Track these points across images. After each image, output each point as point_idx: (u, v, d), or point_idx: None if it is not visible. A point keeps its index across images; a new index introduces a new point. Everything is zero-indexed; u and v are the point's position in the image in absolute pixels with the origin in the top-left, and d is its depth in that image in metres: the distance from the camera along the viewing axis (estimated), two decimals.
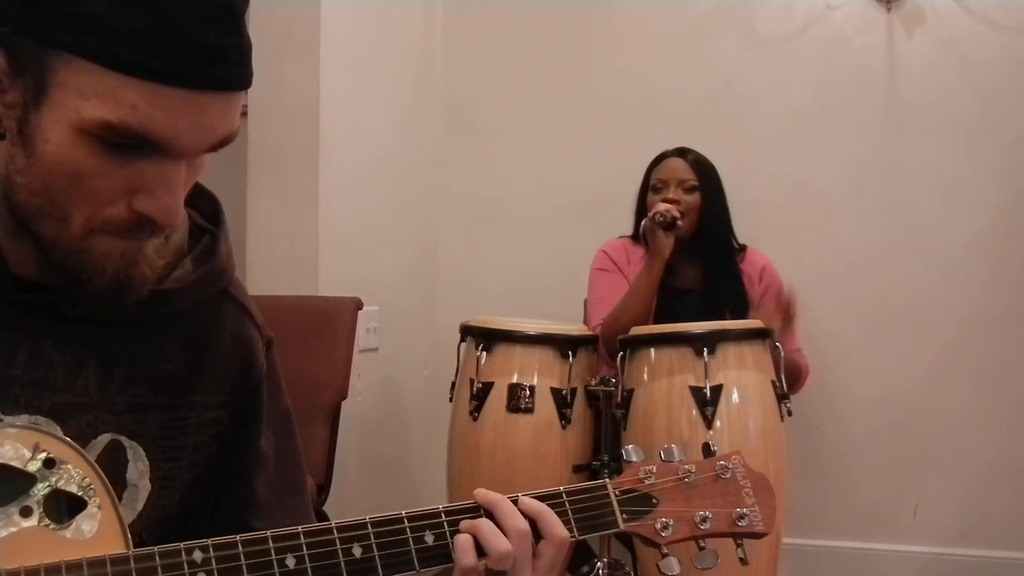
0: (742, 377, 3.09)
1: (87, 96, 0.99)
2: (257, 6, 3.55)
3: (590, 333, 3.46)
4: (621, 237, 3.73)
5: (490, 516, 1.17)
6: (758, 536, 1.31)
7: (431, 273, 4.41)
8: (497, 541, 1.14)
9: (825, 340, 4.00)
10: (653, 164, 3.63)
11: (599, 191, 4.17)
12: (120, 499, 1.15)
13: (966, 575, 3.91)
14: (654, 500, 1.27)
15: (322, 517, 2.69)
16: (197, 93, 1.02)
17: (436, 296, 4.42)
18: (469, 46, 4.41)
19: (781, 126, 4.08)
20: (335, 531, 1.11)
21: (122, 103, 0.99)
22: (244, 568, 1.06)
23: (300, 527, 1.10)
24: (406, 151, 4.19)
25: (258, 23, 3.55)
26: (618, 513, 1.25)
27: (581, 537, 1.23)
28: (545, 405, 3.26)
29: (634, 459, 1.29)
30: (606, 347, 3.42)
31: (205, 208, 1.29)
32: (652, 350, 3.17)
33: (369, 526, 1.13)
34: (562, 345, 3.31)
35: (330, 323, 3.35)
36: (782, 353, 3.22)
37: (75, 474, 1.05)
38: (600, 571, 3.25)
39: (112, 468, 1.15)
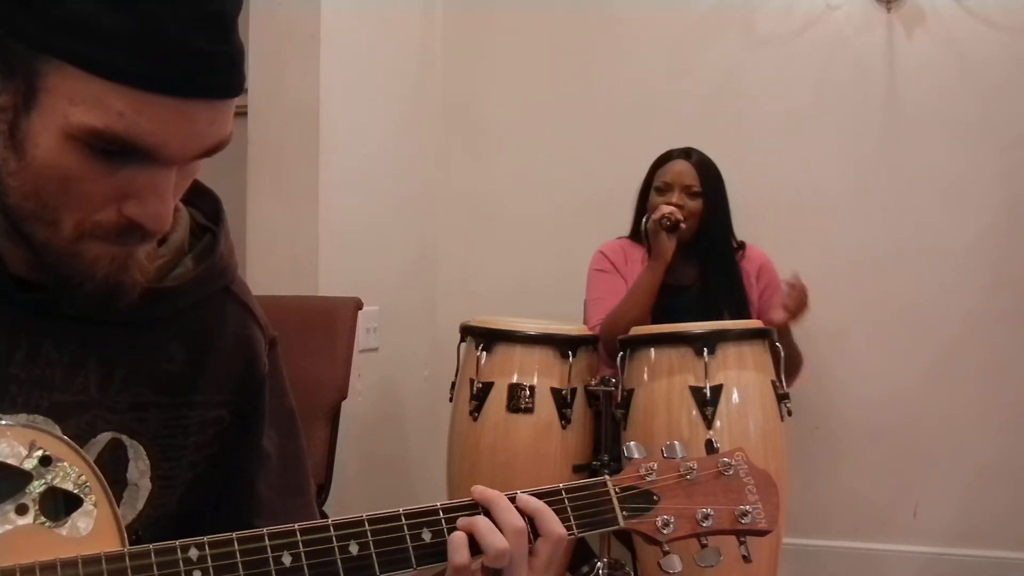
0: (742, 377, 3.10)
1: (75, 102, 0.99)
2: (257, 6, 3.55)
3: (590, 333, 3.46)
4: (619, 238, 3.74)
5: (487, 514, 1.16)
6: (761, 534, 1.30)
7: (431, 273, 4.41)
8: (493, 538, 1.13)
9: (825, 340, 4.00)
10: (657, 164, 3.63)
11: (599, 191, 4.17)
12: (120, 498, 1.16)
13: (966, 575, 3.91)
14: (655, 497, 1.25)
15: (322, 517, 2.69)
16: (185, 101, 1.01)
17: (436, 296, 4.42)
18: (469, 46, 4.41)
19: (781, 126, 4.08)
20: (331, 528, 1.11)
21: (109, 110, 0.98)
22: (240, 566, 1.05)
23: (296, 524, 1.10)
24: (406, 151, 4.19)
25: (258, 23, 3.55)
26: (618, 510, 1.24)
27: (580, 535, 1.22)
28: (545, 405, 3.26)
29: (635, 456, 1.28)
30: (605, 347, 3.42)
31: (206, 207, 1.29)
32: (652, 350, 3.17)
33: (366, 523, 1.12)
34: (562, 345, 3.31)
35: (330, 323, 3.34)
36: (782, 353, 3.22)
37: (71, 472, 1.05)
38: (600, 571, 3.26)
39: (112, 467, 1.15)
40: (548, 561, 1.17)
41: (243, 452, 1.28)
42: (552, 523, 1.17)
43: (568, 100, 4.30)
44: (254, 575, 1.06)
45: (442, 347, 3.96)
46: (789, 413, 3.18)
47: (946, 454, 3.95)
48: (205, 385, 1.24)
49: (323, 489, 3.21)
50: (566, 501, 1.22)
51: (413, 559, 1.13)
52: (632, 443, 1.30)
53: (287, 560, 1.07)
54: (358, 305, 3.38)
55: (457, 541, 1.13)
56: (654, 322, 3.44)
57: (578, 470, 3.27)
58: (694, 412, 3.04)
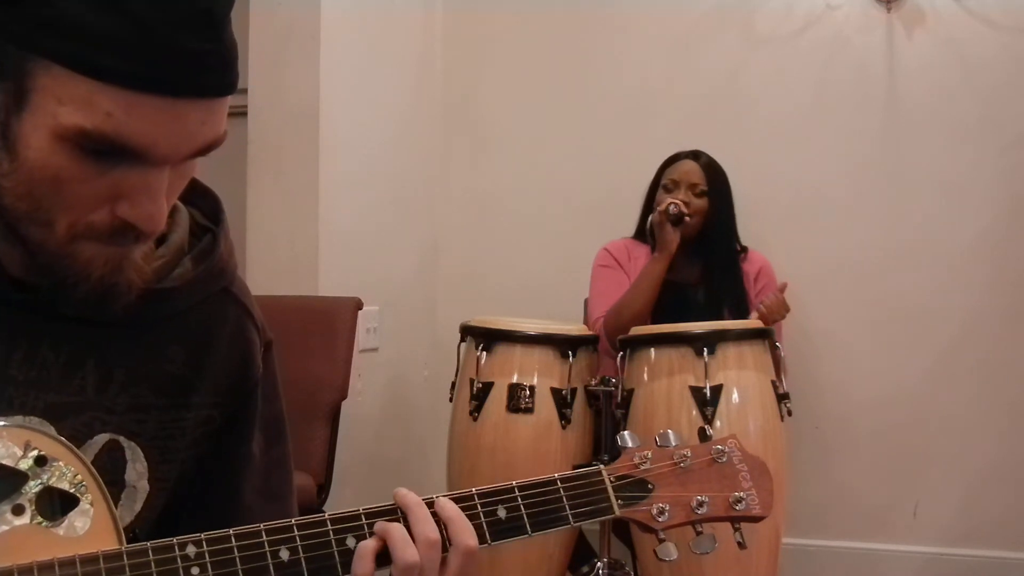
0: (742, 377, 3.10)
1: (64, 102, 0.97)
2: (257, 6, 3.56)
3: (590, 333, 3.47)
4: (624, 238, 3.75)
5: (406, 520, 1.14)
6: (756, 520, 1.29)
7: (431, 273, 4.41)
8: (403, 551, 1.10)
9: (825, 340, 4.00)
10: (666, 164, 3.67)
11: (599, 191, 4.17)
12: (118, 500, 1.15)
13: (966, 575, 3.91)
14: (650, 486, 1.25)
15: None
16: (175, 100, 0.99)
17: (436, 296, 4.42)
18: (469, 46, 4.41)
19: (781, 126, 4.08)
20: (328, 523, 1.11)
21: (97, 110, 0.97)
22: (238, 561, 1.05)
23: (293, 519, 1.10)
24: (406, 151, 4.19)
25: (258, 23, 3.55)
26: (613, 499, 1.23)
27: (577, 524, 1.21)
28: (545, 405, 3.26)
29: (629, 445, 1.28)
30: (608, 339, 3.44)
31: (206, 207, 1.28)
32: (652, 350, 3.18)
33: (363, 517, 1.13)
34: (562, 345, 3.31)
35: (330, 323, 3.35)
36: (782, 353, 3.23)
37: (67, 471, 1.05)
38: (600, 571, 3.26)
39: (110, 468, 1.15)
40: (458, 573, 1.13)
41: (229, 454, 1.28)
42: (461, 533, 1.13)
43: (568, 100, 4.30)
44: (252, 570, 1.06)
45: (442, 347, 3.96)
46: (789, 413, 3.18)
47: (946, 454, 3.95)
48: (203, 386, 1.23)
49: (323, 489, 3.21)
50: (562, 491, 1.21)
51: None
52: (626, 432, 1.30)
53: (285, 555, 1.08)
54: (358, 305, 3.39)
55: (363, 550, 1.10)
56: (657, 320, 3.45)
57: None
58: (694, 412, 3.05)
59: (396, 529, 1.11)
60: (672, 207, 3.44)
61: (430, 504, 1.15)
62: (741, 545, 1.31)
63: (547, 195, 4.30)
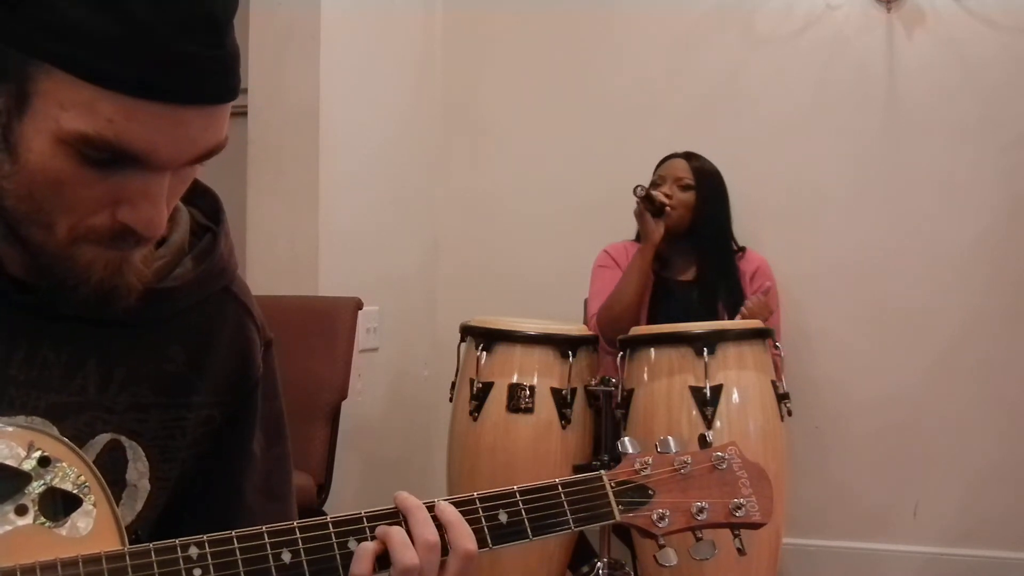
0: (742, 377, 3.10)
1: (66, 107, 0.97)
2: (257, 6, 3.56)
3: (590, 333, 3.47)
4: (625, 240, 3.76)
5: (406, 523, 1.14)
6: (755, 526, 1.30)
7: (431, 273, 4.41)
8: (402, 553, 1.10)
9: (825, 340, 4.00)
10: (658, 164, 3.72)
11: (599, 191, 4.17)
12: (119, 499, 1.16)
13: (966, 575, 3.91)
14: (650, 491, 1.26)
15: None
16: (176, 107, 0.99)
17: (436, 296, 4.42)
18: (469, 46, 4.41)
19: (781, 126, 4.07)
20: (330, 525, 1.11)
21: (98, 116, 0.97)
22: (240, 563, 1.06)
23: (295, 522, 1.10)
24: (406, 151, 4.19)
25: (258, 23, 3.55)
26: (614, 504, 1.24)
27: (577, 529, 1.22)
28: (545, 405, 3.26)
29: (630, 451, 1.29)
30: (603, 334, 3.45)
31: (206, 206, 1.28)
32: (652, 350, 3.18)
33: (365, 520, 1.13)
34: (562, 345, 3.31)
35: (330, 323, 3.35)
36: (782, 353, 3.23)
37: (70, 472, 1.05)
38: (600, 571, 3.25)
39: (111, 468, 1.15)
40: None
41: (231, 453, 1.28)
42: (461, 538, 1.13)
43: (568, 100, 4.30)
44: (254, 572, 1.06)
45: (442, 347, 3.96)
46: (789, 413, 3.18)
47: (946, 454, 3.95)
48: (204, 386, 1.23)
49: (323, 489, 3.21)
50: (562, 496, 1.22)
51: None
52: (627, 438, 1.31)
53: (287, 557, 1.08)
54: (358, 305, 3.39)
55: (362, 551, 1.11)
56: (652, 317, 3.46)
57: (578, 470, 3.26)
58: (694, 412, 3.05)
59: (396, 532, 1.11)
60: (639, 189, 3.46)
61: (431, 508, 1.15)
62: (741, 552, 1.32)
63: (547, 195, 4.30)
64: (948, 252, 3.94)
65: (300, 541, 1.09)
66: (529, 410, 3.25)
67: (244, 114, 3.56)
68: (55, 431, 1.10)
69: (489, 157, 4.40)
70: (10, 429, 1.05)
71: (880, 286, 3.99)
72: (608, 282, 3.63)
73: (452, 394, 3.46)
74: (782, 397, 3.16)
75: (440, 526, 1.14)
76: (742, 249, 3.72)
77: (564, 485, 1.22)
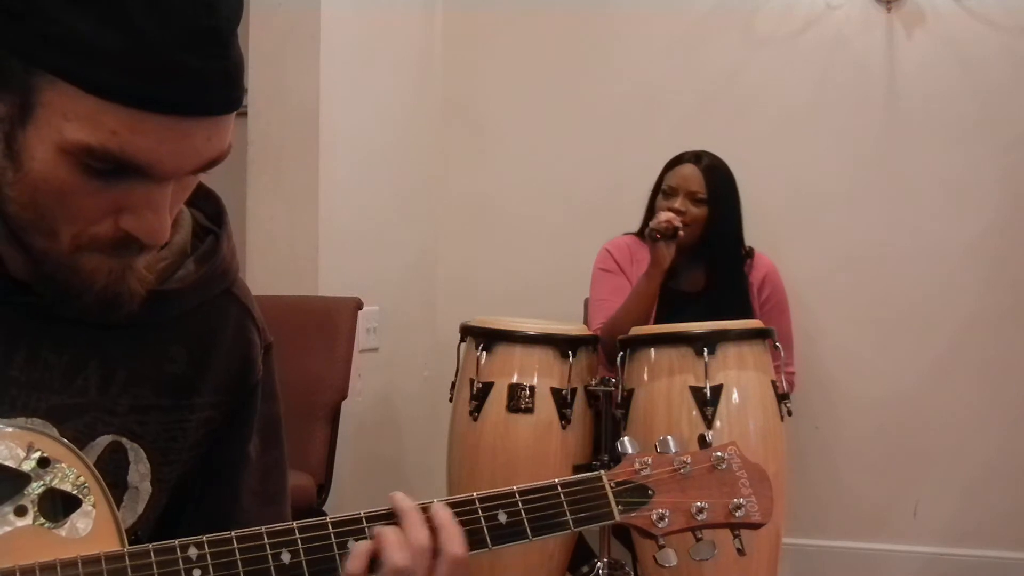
0: (742, 377, 3.10)
1: (69, 118, 0.98)
2: (257, 6, 3.56)
3: (590, 333, 3.46)
4: (626, 234, 3.73)
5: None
6: (755, 527, 1.31)
7: (431, 273, 4.41)
8: (392, 554, 1.10)
9: (825, 340, 4.00)
10: (668, 166, 3.62)
11: (599, 191, 4.17)
12: (121, 502, 1.16)
13: (966, 575, 3.91)
14: (650, 491, 1.27)
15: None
16: (180, 119, 1.00)
17: (436, 296, 4.42)
18: (469, 46, 4.41)
19: (781, 126, 4.07)
20: (330, 526, 1.12)
21: (102, 128, 0.98)
22: (239, 563, 1.06)
23: (295, 522, 1.11)
24: (406, 151, 4.19)
25: (258, 23, 3.55)
26: (614, 504, 1.25)
27: (577, 529, 1.22)
28: (545, 405, 3.26)
29: (629, 451, 1.29)
30: (604, 351, 3.42)
31: (208, 208, 1.28)
32: (652, 350, 3.17)
33: (364, 520, 1.14)
34: (562, 345, 3.30)
35: (330, 323, 3.35)
36: (782, 353, 3.22)
37: (70, 473, 1.05)
38: (600, 571, 3.26)
39: (113, 470, 1.15)
40: None
41: (228, 455, 1.28)
42: (450, 542, 1.13)
43: (568, 100, 4.30)
44: (253, 572, 1.07)
45: (442, 347, 3.96)
46: (789, 413, 3.18)
47: (946, 454, 3.95)
48: (205, 387, 1.24)
49: (323, 489, 3.21)
50: (562, 496, 1.22)
51: None
52: (626, 438, 1.31)
53: (286, 558, 1.09)
54: (358, 305, 3.38)
55: (357, 549, 1.11)
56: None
57: (578, 470, 3.25)
58: (694, 412, 3.04)
59: (390, 532, 1.12)
60: (662, 226, 3.34)
61: (426, 509, 1.15)
62: (741, 552, 1.33)
63: (547, 195, 4.30)
64: (948, 252, 3.94)
65: (299, 541, 1.10)
66: (529, 410, 3.25)
67: (244, 115, 3.55)
68: (55, 432, 1.10)
69: (489, 157, 4.40)
70: (9, 430, 1.06)
71: (879, 286, 3.99)
72: (610, 290, 3.59)
73: (452, 394, 3.45)
74: (782, 397, 3.16)
75: (433, 528, 1.14)
76: (750, 253, 3.67)
77: (563, 485, 1.23)
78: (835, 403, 4.02)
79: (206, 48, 0.99)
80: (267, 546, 1.08)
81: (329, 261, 3.61)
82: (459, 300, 4.27)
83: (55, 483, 1.04)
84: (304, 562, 1.09)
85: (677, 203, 3.50)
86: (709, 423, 3.02)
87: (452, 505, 1.17)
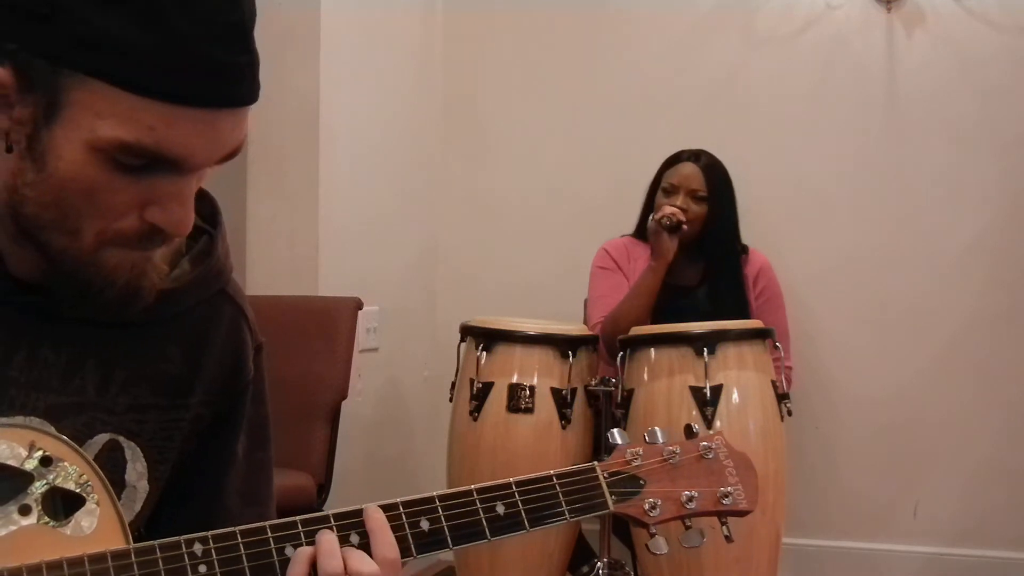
0: (742, 377, 3.10)
1: (103, 116, 1.00)
2: (257, 6, 3.55)
3: (590, 333, 3.47)
4: (624, 235, 3.74)
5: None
6: (742, 514, 1.34)
7: (431, 273, 4.41)
8: (326, 561, 1.10)
9: (825, 340, 4.00)
10: (666, 165, 3.64)
11: (599, 190, 4.17)
12: (119, 500, 1.15)
13: (966, 575, 3.91)
14: (641, 481, 1.29)
15: None
16: (212, 111, 1.03)
17: (436, 296, 4.42)
18: (469, 45, 4.41)
19: (781, 126, 4.07)
20: (332, 519, 1.13)
21: (139, 124, 1.00)
22: (244, 558, 1.07)
23: (298, 517, 1.11)
24: (406, 151, 4.19)
25: (258, 23, 3.53)
26: (608, 495, 1.27)
27: (573, 520, 1.24)
28: (545, 405, 3.26)
29: (619, 442, 1.32)
30: (605, 345, 3.43)
31: (203, 209, 1.28)
32: (652, 350, 3.17)
33: (362, 514, 1.15)
34: (562, 345, 3.30)
35: (330, 323, 3.34)
36: (782, 353, 3.23)
37: (72, 472, 1.06)
38: (600, 571, 3.26)
39: (111, 469, 1.15)
40: None
41: (215, 454, 1.29)
42: (380, 546, 1.13)
43: (568, 100, 4.30)
44: (258, 567, 1.08)
45: (442, 347, 3.96)
46: (789, 413, 3.18)
47: (946, 453, 3.95)
48: (199, 386, 1.25)
49: (323, 489, 3.21)
50: (558, 487, 1.24)
51: (413, 547, 1.16)
52: (615, 430, 1.35)
53: (290, 552, 1.09)
54: (358, 305, 3.38)
55: (299, 555, 1.10)
56: (656, 323, 3.44)
57: None
58: (694, 412, 3.05)
59: (326, 539, 1.11)
60: (665, 220, 3.39)
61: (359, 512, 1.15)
62: (728, 539, 1.35)
63: (547, 195, 4.30)
64: (947, 251, 3.94)
65: (302, 536, 1.10)
66: (529, 410, 3.25)
67: None
68: (52, 431, 1.10)
69: (489, 157, 4.40)
70: (10, 429, 1.06)
71: (880, 285, 4.00)
72: (609, 287, 3.60)
73: (452, 394, 3.46)
74: (782, 397, 3.16)
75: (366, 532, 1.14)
76: (745, 249, 3.70)
77: (559, 477, 1.25)
78: (835, 403, 4.03)
79: (233, 42, 1.04)
80: (271, 540, 1.09)
81: (329, 261, 3.62)
82: (459, 300, 4.27)
83: (58, 482, 1.05)
84: None
85: (679, 201, 3.52)
86: (709, 423, 3.02)
87: (449, 497, 1.18)
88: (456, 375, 3.47)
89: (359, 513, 1.14)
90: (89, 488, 1.06)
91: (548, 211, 4.30)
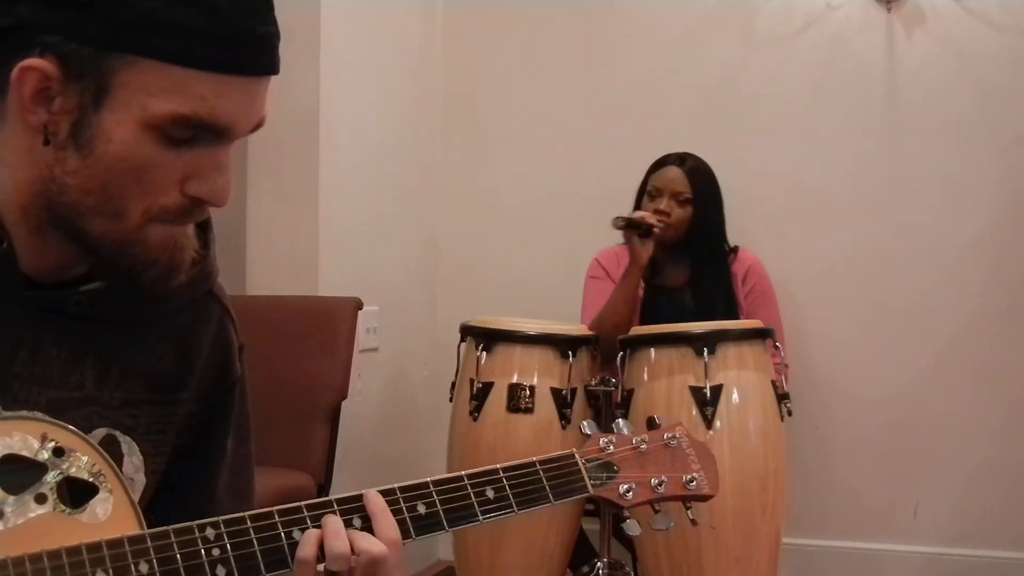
0: (742, 377, 3.10)
1: (154, 92, 1.05)
2: None
3: (590, 333, 3.47)
4: (618, 244, 3.77)
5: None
6: (705, 498, 1.45)
7: (431, 273, 4.41)
8: (332, 542, 1.14)
9: (824, 340, 4.01)
10: (652, 169, 3.69)
11: (599, 190, 4.17)
12: None
13: (966, 575, 3.91)
14: (615, 468, 1.39)
15: None
16: (252, 79, 1.12)
17: (436, 296, 4.42)
18: (469, 45, 4.41)
19: (781, 126, 4.08)
20: (335, 504, 1.17)
21: (192, 95, 1.06)
22: (255, 542, 1.11)
23: (303, 503, 1.16)
24: (406, 150, 4.19)
25: None
26: (587, 479, 1.36)
27: (557, 503, 1.32)
28: (545, 405, 3.26)
29: (590, 432, 1.43)
30: (601, 350, 3.45)
31: None
32: (652, 350, 3.18)
33: (363, 499, 1.19)
34: (562, 345, 3.30)
35: (330, 323, 3.34)
36: (783, 353, 3.23)
37: (85, 461, 1.08)
38: (600, 571, 3.25)
39: None
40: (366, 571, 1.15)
41: (207, 449, 1.33)
42: (379, 533, 1.17)
43: (568, 100, 4.30)
44: (268, 550, 1.12)
45: (442, 347, 3.96)
46: (789, 413, 3.18)
47: (946, 453, 3.96)
48: (191, 383, 1.28)
49: (323, 489, 3.21)
50: (541, 472, 1.33)
51: (412, 530, 1.21)
52: (585, 422, 1.47)
53: (297, 535, 1.14)
54: (358, 305, 3.38)
55: (307, 536, 1.14)
56: (645, 323, 3.46)
57: None
58: (694, 412, 3.05)
59: (332, 521, 1.16)
60: (618, 220, 3.46)
61: (356, 498, 1.19)
62: (694, 522, 1.45)
63: (547, 194, 4.31)
64: (947, 251, 3.95)
65: (308, 520, 1.15)
66: (529, 410, 3.25)
67: None
68: (61, 423, 1.12)
69: (489, 156, 4.41)
70: (22, 421, 1.08)
71: (880, 286, 4.00)
72: (598, 295, 3.65)
73: (452, 394, 3.45)
74: (782, 397, 3.16)
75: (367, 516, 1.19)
76: (734, 249, 3.73)
77: (541, 463, 1.34)
78: (835, 403, 4.03)
79: (263, 14, 1.12)
80: (279, 524, 1.14)
81: (329, 261, 3.62)
82: (459, 300, 4.27)
83: (72, 471, 1.07)
84: None
85: (663, 204, 3.58)
86: (709, 423, 3.02)
87: (443, 482, 1.25)
88: (456, 375, 3.47)
89: (360, 498, 1.19)
90: (102, 477, 1.09)
91: (548, 211, 4.30)
